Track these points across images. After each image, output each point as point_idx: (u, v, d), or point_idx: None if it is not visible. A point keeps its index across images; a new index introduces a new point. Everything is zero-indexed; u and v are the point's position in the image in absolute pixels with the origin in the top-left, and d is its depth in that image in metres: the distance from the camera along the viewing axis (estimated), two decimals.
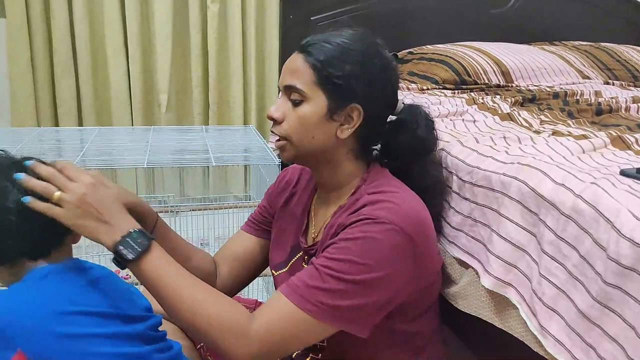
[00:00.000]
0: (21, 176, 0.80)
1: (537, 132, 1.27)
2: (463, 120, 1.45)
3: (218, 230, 2.01)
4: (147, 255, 0.83)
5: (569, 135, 1.18)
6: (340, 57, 0.92)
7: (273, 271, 1.11)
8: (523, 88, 2.07)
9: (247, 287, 1.23)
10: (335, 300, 0.84)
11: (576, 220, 0.83)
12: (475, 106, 1.63)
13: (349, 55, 0.92)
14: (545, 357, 0.87)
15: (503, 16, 2.72)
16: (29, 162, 0.82)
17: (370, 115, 0.94)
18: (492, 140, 1.17)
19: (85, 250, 1.83)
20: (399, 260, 0.87)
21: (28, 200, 0.79)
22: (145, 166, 1.56)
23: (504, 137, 1.19)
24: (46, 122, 2.45)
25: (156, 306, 0.89)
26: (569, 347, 0.82)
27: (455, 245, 1.11)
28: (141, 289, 0.91)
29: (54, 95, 2.48)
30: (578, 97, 1.80)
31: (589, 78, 2.23)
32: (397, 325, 0.96)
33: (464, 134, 1.29)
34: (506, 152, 1.08)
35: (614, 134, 1.16)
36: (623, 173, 0.89)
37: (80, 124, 2.52)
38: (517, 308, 0.94)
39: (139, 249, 0.82)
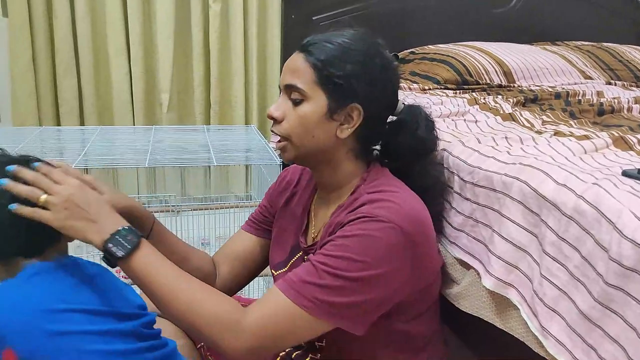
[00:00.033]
0: (5, 182, 0.80)
1: (539, 132, 1.27)
2: (465, 120, 1.45)
3: (219, 230, 2.01)
4: (137, 252, 0.83)
5: (570, 135, 1.18)
6: (341, 56, 0.92)
7: (273, 271, 1.11)
8: (525, 88, 2.06)
9: (247, 286, 1.23)
10: (331, 296, 0.84)
11: (578, 221, 0.83)
12: (477, 106, 1.63)
13: (349, 55, 0.92)
14: (546, 357, 0.86)
15: (505, 16, 2.71)
16: (11, 168, 0.82)
17: (370, 115, 0.94)
18: (494, 141, 1.17)
19: (86, 250, 1.83)
20: (397, 259, 0.87)
21: (14, 207, 0.79)
22: (146, 166, 1.56)
23: (506, 138, 1.18)
24: (48, 122, 2.45)
25: (151, 304, 0.89)
26: (569, 348, 0.81)
27: (457, 245, 1.11)
28: (137, 288, 0.91)
29: (56, 95, 2.48)
30: (580, 98, 1.80)
31: (591, 78, 2.22)
32: (397, 325, 0.96)
33: (466, 134, 1.29)
34: (508, 152, 1.08)
35: (616, 134, 1.16)
36: (625, 174, 0.89)
37: (82, 123, 2.52)
38: (518, 309, 0.93)
39: (129, 246, 0.82)
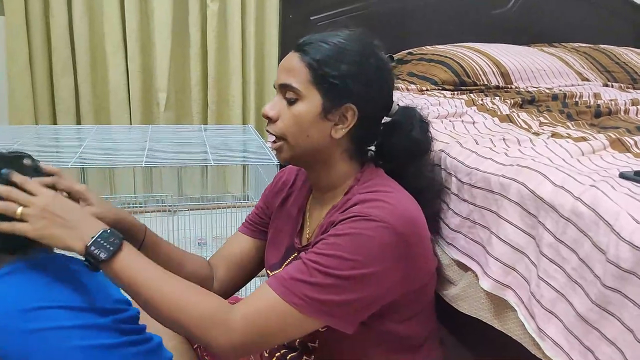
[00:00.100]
0: None
1: (537, 134, 1.27)
2: (462, 121, 1.45)
3: (216, 229, 2.00)
4: (120, 254, 0.83)
5: (568, 137, 1.18)
6: (336, 56, 0.92)
7: (268, 271, 1.11)
8: (522, 89, 2.07)
9: (245, 288, 1.23)
10: (321, 294, 0.83)
11: (575, 222, 0.83)
12: (474, 107, 1.63)
13: (345, 55, 0.92)
14: (543, 359, 0.86)
15: (503, 17, 2.72)
16: None
17: (364, 115, 0.94)
18: (492, 142, 1.17)
19: None
20: (390, 259, 0.86)
21: None
22: (143, 165, 1.56)
23: (503, 139, 1.18)
24: (44, 120, 2.44)
25: None
26: (567, 350, 0.81)
27: (454, 247, 1.10)
28: None
29: (53, 94, 2.47)
30: (577, 99, 1.80)
31: (588, 80, 2.23)
32: (391, 326, 0.96)
33: (463, 135, 1.29)
34: (505, 153, 1.08)
35: (613, 136, 1.16)
36: (622, 176, 0.89)
37: (79, 122, 2.51)
38: (516, 310, 0.93)
39: (112, 248, 0.82)
